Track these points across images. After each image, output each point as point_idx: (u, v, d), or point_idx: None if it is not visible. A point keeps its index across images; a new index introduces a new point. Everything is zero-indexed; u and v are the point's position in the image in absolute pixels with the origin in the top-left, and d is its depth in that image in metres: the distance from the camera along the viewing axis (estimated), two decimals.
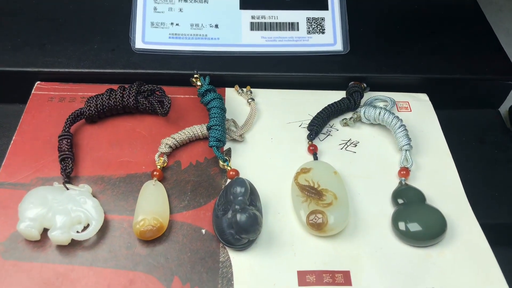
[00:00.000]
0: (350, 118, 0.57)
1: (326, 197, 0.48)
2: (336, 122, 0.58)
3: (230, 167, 0.50)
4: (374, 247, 0.46)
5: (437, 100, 0.61)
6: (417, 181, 0.52)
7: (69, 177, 0.49)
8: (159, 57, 0.60)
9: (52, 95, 0.58)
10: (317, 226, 0.46)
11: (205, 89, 0.54)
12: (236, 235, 0.44)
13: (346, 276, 0.44)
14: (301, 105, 0.59)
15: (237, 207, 0.44)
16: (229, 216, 0.45)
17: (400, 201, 0.49)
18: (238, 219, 0.43)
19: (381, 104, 0.59)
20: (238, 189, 0.46)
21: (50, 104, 0.57)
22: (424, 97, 0.61)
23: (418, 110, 0.59)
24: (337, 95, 0.60)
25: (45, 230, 0.46)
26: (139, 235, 0.45)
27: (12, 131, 0.55)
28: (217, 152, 0.51)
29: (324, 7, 0.63)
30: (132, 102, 0.54)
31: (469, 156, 0.58)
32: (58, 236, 0.44)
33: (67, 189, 0.48)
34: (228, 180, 0.50)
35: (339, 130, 0.57)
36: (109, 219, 0.48)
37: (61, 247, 0.45)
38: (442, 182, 0.52)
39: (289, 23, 0.63)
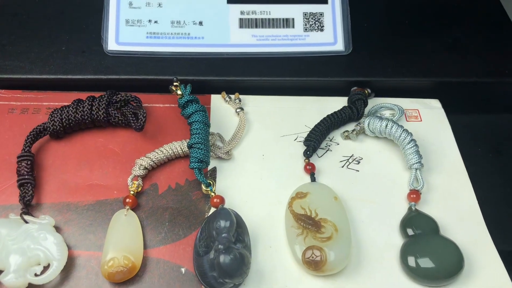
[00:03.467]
0: (353, 130, 0.50)
1: (325, 228, 0.41)
2: (337, 135, 0.51)
3: (215, 193, 0.44)
4: (381, 287, 0.40)
5: (449, 104, 0.54)
6: (428, 206, 0.46)
7: (28, 206, 0.43)
8: (135, 60, 0.53)
9: (13, 106, 0.51)
10: (314, 265, 0.39)
11: (186, 99, 0.47)
12: (220, 279, 0.38)
13: None
14: (297, 115, 0.52)
15: (220, 246, 0.38)
16: (211, 257, 0.38)
17: (410, 231, 0.43)
18: (221, 262, 0.37)
19: (387, 113, 0.52)
20: (222, 224, 0.39)
21: (10, 117, 0.50)
22: (436, 104, 0.54)
23: (430, 120, 0.53)
24: (338, 102, 0.53)
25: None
26: (108, 277, 0.39)
27: None
28: (199, 175, 0.44)
29: (323, 0, 0.56)
30: (102, 116, 0.47)
31: (484, 169, 0.51)
32: (11, 281, 0.38)
33: (25, 222, 0.41)
34: (212, 208, 0.44)
35: (339, 144, 0.50)
36: (74, 256, 0.41)
37: None
38: (457, 206, 0.46)
39: (283, 19, 0.55)
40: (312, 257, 0.40)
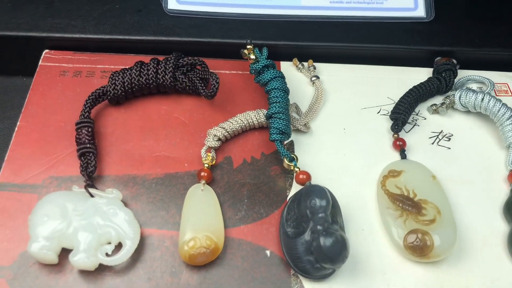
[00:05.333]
0: (442, 103, 0.45)
1: (427, 211, 0.37)
2: (423, 108, 0.46)
3: (299, 169, 0.39)
4: (489, 278, 0.36)
5: None
6: None
7: (91, 178, 0.38)
8: (197, 21, 0.48)
9: (65, 68, 0.46)
10: (419, 250, 0.35)
11: (263, 64, 0.42)
12: (317, 264, 0.34)
13: None
14: (378, 86, 0.47)
15: (319, 227, 0.34)
16: (307, 239, 0.34)
17: None
18: (322, 244, 0.33)
19: (474, 87, 0.48)
20: (318, 202, 0.35)
21: (62, 80, 0.45)
22: None
23: None
24: (421, 73, 0.48)
25: (65, 250, 0.35)
26: (188, 260, 0.35)
27: (15, 112, 0.44)
28: (282, 148, 0.39)
29: None
30: (169, 80, 0.42)
31: None
32: (82, 261, 0.34)
33: (91, 195, 0.37)
34: (295, 185, 0.39)
35: (426, 119, 0.45)
36: (145, 235, 0.37)
37: (85, 273, 0.35)
38: None
39: None
40: (417, 241, 0.35)
